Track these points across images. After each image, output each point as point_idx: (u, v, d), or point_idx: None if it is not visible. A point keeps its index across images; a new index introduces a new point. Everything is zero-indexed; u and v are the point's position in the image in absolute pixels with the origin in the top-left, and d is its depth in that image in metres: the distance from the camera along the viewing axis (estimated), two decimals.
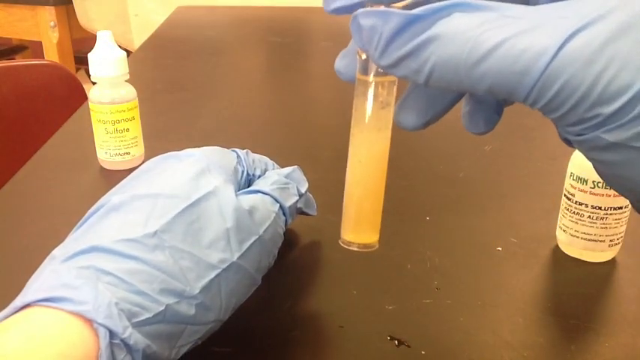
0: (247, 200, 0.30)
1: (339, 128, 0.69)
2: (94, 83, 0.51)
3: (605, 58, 0.17)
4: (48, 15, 1.94)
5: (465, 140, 0.63)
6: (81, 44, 1.79)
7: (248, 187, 0.34)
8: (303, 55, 1.08)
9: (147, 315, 0.24)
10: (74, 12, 1.90)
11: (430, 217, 0.45)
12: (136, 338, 0.23)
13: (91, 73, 0.50)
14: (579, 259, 0.39)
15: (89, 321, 0.23)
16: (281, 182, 0.34)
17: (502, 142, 0.62)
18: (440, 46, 0.19)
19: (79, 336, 0.22)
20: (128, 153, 0.52)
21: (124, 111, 0.51)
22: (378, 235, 0.26)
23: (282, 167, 0.39)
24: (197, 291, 0.26)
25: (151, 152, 0.54)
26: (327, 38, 1.24)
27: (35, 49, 2.25)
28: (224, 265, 0.27)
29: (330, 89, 0.87)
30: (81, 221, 0.29)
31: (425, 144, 0.61)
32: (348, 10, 0.24)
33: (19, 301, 0.24)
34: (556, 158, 0.56)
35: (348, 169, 0.26)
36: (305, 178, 0.37)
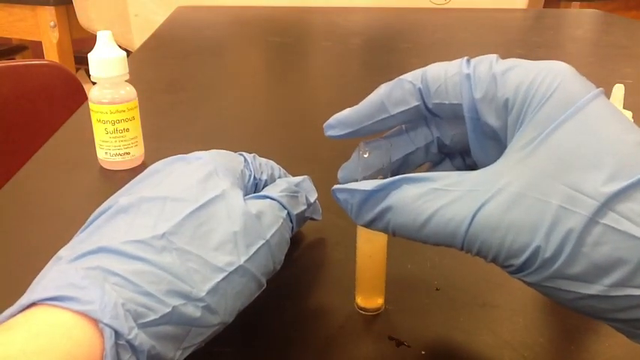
0: (255, 205, 0.31)
1: None
2: (94, 83, 0.51)
3: (505, 225, 0.22)
4: (48, 15, 1.94)
5: None
6: (81, 44, 1.79)
7: (255, 191, 0.35)
8: (303, 55, 1.08)
9: (153, 316, 0.24)
10: (74, 12, 1.91)
11: None
12: (142, 339, 0.23)
13: (91, 73, 0.50)
14: None
15: (95, 321, 0.23)
16: (290, 190, 0.34)
17: None
18: (394, 215, 0.25)
19: (85, 336, 0.23)
20: (128, 153, 0.52)
21: (124, 111, 0.51)
22: (383, 299, 0.34)
23: (286, 169, 0.39)
24: (203, 293, 0.26)
25: (150, 152, 0.54)
26: (327, 38, 1.24)
27: (35, 49, 2.25)
28: (231, 268, 0.27)
29: (330, 89, 0.87)
30: (87, 222, 0.29)
31: None
32: (342, 137, 0.32)
33: (25, 300, 0.24)
34: None
35: (359, 259, 0.33)
36: (314, 188, 0.38)
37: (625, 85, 0.37)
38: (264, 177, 0.36)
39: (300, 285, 0.37)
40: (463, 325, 0.33)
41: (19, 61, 1.30)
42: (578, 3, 2.44)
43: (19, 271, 0.38)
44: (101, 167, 0.53)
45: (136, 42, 1.78)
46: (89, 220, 0.29)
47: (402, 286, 0.36)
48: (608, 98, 0.37)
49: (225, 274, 0.27)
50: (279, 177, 0.37)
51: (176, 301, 0.25)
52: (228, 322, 0.28)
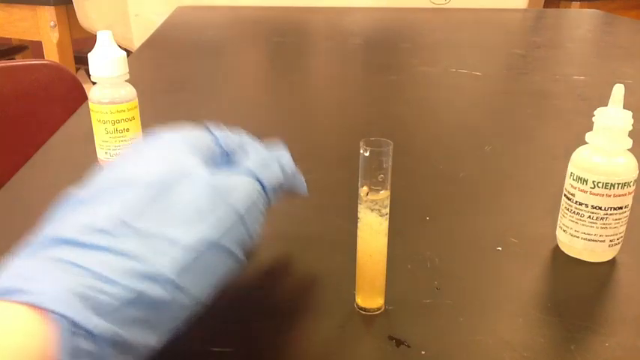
0: (225, 180, 0.30)
1: (339, 128, 0.69)
2: (94, 83, 0.51)
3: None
4: (48, 15, 1.94)
5: (465, 140, 0.63)
6: (81, 44, 1.79)
7: (227, 165, 0.34)
8: (304, 55, 1.08)
9: (116, 302, 0.23)
10: (74, 12, 1.91)
11: (430, 217, 0.45)
12: (103, 327, 0.22)
13: (91, 73, 0.50)
14: (579, 259, 0.39)
15: (48, 311, 0.22)
16: (263, 160, 0.33)
17: (502, 142, 0.62)
18: None
19: (37, 327, 0.21)
20: None
21: (124, 111, 0.51)
22: (383, 299, 0.34)
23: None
24: (172, 274, 0.25)
25: None
26: (327, 38, 1.24)
27: (35, 49, 2.25)
28: (201, 246, 0.26)
29: (331, 89, 0.87)
30: (49, 214, 0.28)
31: (425, 144, 0.61)
32: None
33: None
34: (556, 158, 0.56)
35: (359, 259, 0.33)
36: (290, 155, 0.35)
37: (625, 85, 0.37)
38: (235, 147, 0.34)
39: (300, 285, 0.37)
40: (463, 325, 0.33)
41: (19, 61, 1.30)
42: (578, 3, 2.44)
43: None
44: (101, 167, 0.53)
45: (136, 42, 1.78)
46: (51, 211, 0.28)
47: (402, 286, 0.36)
48: (609, 98, 0.37)
49: (195, 251, 0.26)
50: (250, 145, 0.36)
51: (142, 285, 0.24)
52: (204, 301, 0.27)
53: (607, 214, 0.38)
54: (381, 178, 0.30)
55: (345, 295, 0.35)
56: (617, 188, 0.37)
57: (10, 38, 2.36)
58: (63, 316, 0.22)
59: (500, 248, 0.41)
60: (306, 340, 0.32)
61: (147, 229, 0.25)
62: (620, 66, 1.00)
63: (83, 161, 0.54)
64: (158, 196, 0.26)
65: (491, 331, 0.32)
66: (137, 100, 0.52)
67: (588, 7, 2.37)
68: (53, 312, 0.22)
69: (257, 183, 0.31)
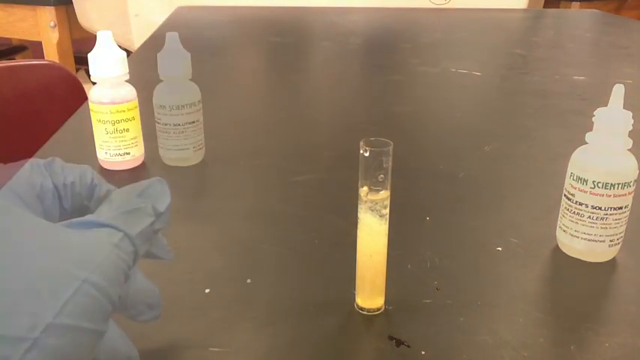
0: (66, 235, 0.24)
1: (339, 128, 0.69)
2: (94, 83, 0.51)
3: None
4: (48, 15, 1.94)
5: (465, 140, 0.63)
6: (81, 44, 1.79)
7: (64, 202, 0.28)
8: (303, 55, 1.08)
9: None
10: (74, 12, 1.91)
11: (430, 217, 0.45)
12: None
13: (91, 73, 0.50)
14: (579, 259, 0.39)
15: None
16: (129, 205, 0.27)
17: (502, 142, 0.62)
18: None
19: None
20: (128, 153, 0.52)
21: (124, 111, 0.51)
22: (383, 299, 0.34)
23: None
24: None
25: (150, 152, 0.54)
26: (327, 38, 1.24)
27: (35, 49, 2.25)
28: (35, 334, 0.20)
29: (330, 89, 0.87)
30: None
31: (425, 144, 0.61)
32: None
33: None
34: (556, 158, 0.56)
35: (359, 259, 0.33)
36: (168, 191, 0.29)
37: (625, 85, 0.37)
38: (70, 179, 0.29)
39: (299, 285, 0.37)
40: (463, 325, 0.33)
41: (19, 61, 1.30)
42: (578, 3, 2.44)
43: None
44: (101, 167, 0.53)
45: (136, 42, 1.78)
46: None
47: (402, 286, 0.36)
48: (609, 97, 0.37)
49: (30, 342, 0.20)
50: (94, 182, 0.30)
51: None
52: None
53: (607, 214, 0.38)
54: (381, 178, 0.30)
55: (345, 295, 0.35)
56: (617, 188, 0.37)
57: (10, 38, 2.36)
58: None
59: (500, 248, 0.41)
60: (306, 340, 0.32)
61: None
62: (620, 66, 1.00)
63: (83, 161, 0.54)
64: None
65: (491, 331, 0.32)
66: (137, 100, 0.52)
67: (588, 7, 2.37)
68: None
69: (119, 234, 0.25)
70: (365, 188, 0.31)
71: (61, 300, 0.21)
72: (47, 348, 0.20)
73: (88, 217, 0.25)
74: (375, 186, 0.31)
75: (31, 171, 0.27)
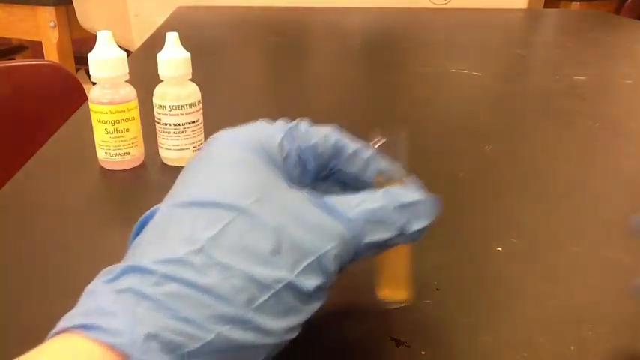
0: (311, 212, 0.25)
1: (339, 128, 0.69)
2: (94, 83, 0.51)
3: None
4: (48, 15, 1.94)
5: (465, 140, 0.63)
6: (81, 44, 1.79)
7: (322, 176, 0.30)
8: (303, 55, 1.08)
9: (193, 345, 0.21)
10: (74, 12, 1.91)
11: None
12: None
13: (91, 73, 0.50)
14: (579, 259, 0.39)
15: (124, 355, 0.20)
16: (380, 215, 0.27)
17: (502, 142, 0.62)
18: None
19: None
20: (128, 153, 0.52)
21: (124, 111, 0.51)
22: (408, 291, 0.32)
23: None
24: (251, 314, 0.22)
25: (151, 152, 0.54)
26: (327, 38, 1.24)
27: (35, 49, 2.25)
28: (279, 285, 0.23)
29: (330, 89, 0.87)
30: (134, 230, 0.27)
31: (425, 144, 0.61)
32: None
33: (56, 327, 0.22)
34: (556, 158, 0.56)
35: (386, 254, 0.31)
36: (431, 216, 0.29)
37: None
38: (313, 140, 0.30)
39: None
40: (463, 325, 0.33)
41: (19, 61, 1.30)
42: (578, 3, 2.44)
43: (19, 271, 0.38)
44: (101, 167, 0.53)
45: (136, 42, 1.78)
46: (135, 226, 0.27)
47: None
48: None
49: (273, 291, 0.23)
50: (339, 143, 0.31)
51: (220, 326, 0.22)
52: (282, 342, 0.24)
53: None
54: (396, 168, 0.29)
55: (344, 295, 0.35)
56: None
57: (10, 38, 2.36)
58: None
59: (500, 248, 0.41)
60: (306, 340, 0.32)
61: (225, 260, 0.23)
62: (620, 66, 1.00)
63: (83, 161, 0.54)
64: (234, 222, 0.24)
65: (491, 331, 0.32)
66: (137, 100, 0.52)
67: (588, 7, 2.37)
68: (129, 357, 0.20)
69: (350, 232, 0.26)
70: (380, 180, 0.30)
71: (301, 265, 0.24)
72: (282, 300, 0.23)
73: (333, 203, 0.26)
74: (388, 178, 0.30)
75: (283, 137, 0.29)
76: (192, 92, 0.52)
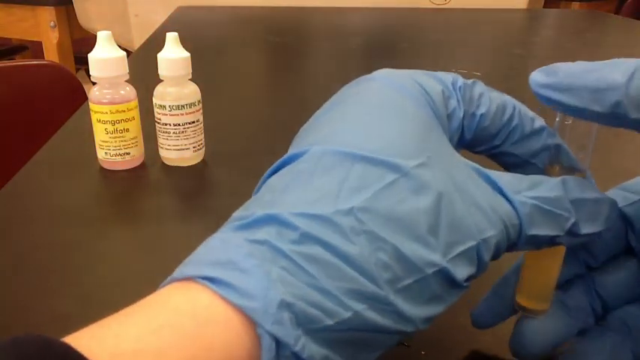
0: (479, 188, 0.22)
1: None
2: (94, 83, 0.51)
3: None
4: (48, 15, 1.94)
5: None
6: (81, 44, 1.80)
7: (475, 150, 0.26)
8: (303, 55, 1.08)
9: (328, 322, 0.18)
10: (74, 12, 1.91)
11: None
12: (311, 350, 0.18)
13: (91, 73, 0.50)
14: None
15: (252, 322, 0.18)
16: (555, 203, 0.22)
17: None
18: None
19: (239, 338, 0.18)
20: (128, 153, 0.52)
21: (124, 111, 0.51)
22: (549, 303, 0.27)
23: None
24: (392, 296, 0.19)
25: (151, 152, 0.54)
26: (327, 38, 1.24)
27: (35, 49, 2.25)
28: (430, 270, 0.20)
29: (330, 89, 0.86)
30: (273, 166, 0.23)
31: None
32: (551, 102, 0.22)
33: (178, 272, 0.19)
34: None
35: (537, 255, 0.26)
36: (609, 216, 0.24)
37: None
38: (482, 110, 0.25)
39: None
40: (463, 325, 0.33)
41: (19, 61, 1.30)
42: (578, 3, 2.44)
43: (19, 271, 0.38)
44: (101, 167, 0.53)
45: (136, 42, 1.78)
46: (279, 161, 0.23)
47: None
48: None
49: (422, 275, 0.20)
50: (516, 120, 0.26)
51: (358, 304, 0.19)
52: (420, 326, 0.21)
53: None
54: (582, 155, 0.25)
55: None
56: None
57: (10, 38, 2.36)
58: (270, 333, 0.18)
59: None
60: None
61: (375, 229, 0.19)
62: None
63: (83, 161, 0.54)
64: (394, 186, 0.20)
65: (491, 331, 0.32)
66: (137, 100, 0.52)
67: (588, 7, 2.37)
68: (260, 326, 0.18)
69: (517, 221, 0.22)
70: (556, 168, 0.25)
71: (456, 251, 0.21)
72: (429, 287, 0.20)
73: (502, 182, 0.22)
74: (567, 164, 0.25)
75: (452, 92, 0.25)
76: (192, 92, 0.52)
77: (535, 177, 0.23)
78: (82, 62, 0.87)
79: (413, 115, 0.22)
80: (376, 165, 0.20)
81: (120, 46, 0.51)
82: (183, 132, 0.51)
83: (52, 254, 0.40)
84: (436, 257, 0.20)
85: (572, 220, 0.23)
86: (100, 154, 0.52)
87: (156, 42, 1.11)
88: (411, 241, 0.20)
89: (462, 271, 0.21)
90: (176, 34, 0.50)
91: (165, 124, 0.51)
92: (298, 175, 0.21)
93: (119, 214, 0.46)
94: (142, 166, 0.53)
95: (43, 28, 1.97)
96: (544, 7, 2.13)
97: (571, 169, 0.25)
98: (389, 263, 0.19)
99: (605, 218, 0.24)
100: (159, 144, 0.53)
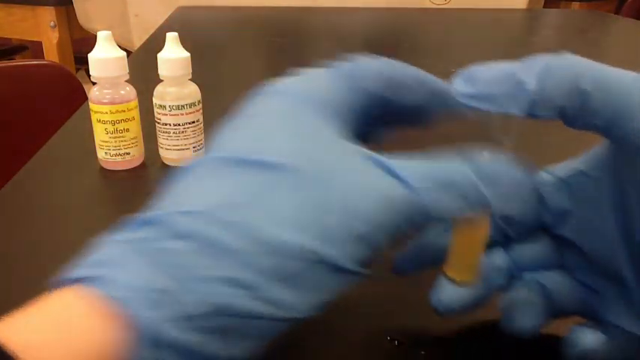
0: (368, 173, 0.22)
1: None
2: (94, 83, 0.51)
3: None
4: (48, 15, 1.94)
5: (465, 140, 0.63)
6: (81, 44, 1.80)
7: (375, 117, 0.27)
8: (304, 55, 1.08)
9: (203, 309, 0.19)
10: (74, 12, 1.91)
11: None
12: (184, 337, 0.19)
13: (91, 73, 0.50)
14: None
15: (120, 309, 0.19)
16: (444, 175, 0.23)
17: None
18: None
19: (108, 329, 0.18)
20: (128, 153, 0.52)
21: (124, 111, 0.51)
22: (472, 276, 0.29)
23: None
24: (273, 284, 0.20)
25: (150, 152, 0.54)
26: (327, 38, 1.24)
27: (35, 49, 2.25)
28: (307, 257, 0.20)
29: None
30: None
31: (425, 144, 0.61)
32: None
33: (68, 274, 0.21)
34: (556, 159, 0.56)
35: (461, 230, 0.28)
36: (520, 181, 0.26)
37: None
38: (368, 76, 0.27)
39: None
40: (463, 325, 0.33)
41: (19, 61, 1.30)
42: (578, 3, 2.44)
43: (19, 271, 0.38)
44: (101, 167, 0.53)
45: (136, 42, 1.78)
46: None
47: (402, 285, 0.36)
48: None
49: (298, 262, 0.20)
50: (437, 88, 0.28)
51: (232, 292, 0.19)
52: (303, 317, 0.22)
53: None
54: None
55: (345, 295, 0.35)
56: None
57: (10, 38, 2.36)
58: (140, 318, 0.18)
59: None
60: (306, 340, 0.32)
61: (254, 222, 0.20)
62: (620, 66, 1.00)
63: (83, 161, 0.54)
64: (275, 184, 0.21)
65: (491, 331, 0.32)
66: (137, 100, 0.52)
67: (588, 7, 2.37)
68: (130, 313, 0.18)
69: (415, 207, 0.22)
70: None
71: (334, 233, 0.21)
72: (307, 271, 0.21)
73: (397, 164, 0.23)
74: None
75: (339, 81, 0.27)
76: (192, 92, 0.52)
77: (435, 155, 0.25)
78: (82, 62, 0.87)
79: (296, 115, 0.24)
80: (251, 165, 0.22)
81: (120, 46, 0.51)
82: (183, 132, 0.51)
83: (52, 254, 0.40)
84: (313, 244, 0.20)
85: (479, 193, 0.23)
86: (100, 154, 0.52)
87: (156, 42, 1.11)
88: (284, 229, 0.20)
89: (345, 257, 0.21)
90: (176, 34, 0.50)
91: (165, 124, 0.51)
92: (187, 176, 0.23)
93: (119, 214, 0.45)
94: (142, 166, 0.53)
95: (43, 28, 1.96)
96: (544, 7, 2.13)
97: (495, 146, 0.27)
98: (262, 252, 0.20)
99: (515, 185, 0.26)
100: (159, 144, 0.53)
